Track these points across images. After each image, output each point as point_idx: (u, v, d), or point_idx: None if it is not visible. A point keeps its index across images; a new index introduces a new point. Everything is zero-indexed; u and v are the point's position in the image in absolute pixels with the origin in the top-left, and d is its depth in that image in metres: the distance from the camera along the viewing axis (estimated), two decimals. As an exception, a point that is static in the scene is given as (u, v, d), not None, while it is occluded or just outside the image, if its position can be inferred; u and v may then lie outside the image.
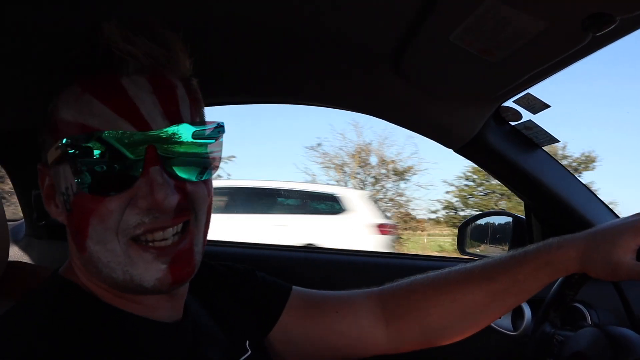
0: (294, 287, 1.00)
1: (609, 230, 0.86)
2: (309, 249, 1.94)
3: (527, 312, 1.49)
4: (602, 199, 1.48)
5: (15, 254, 1.94)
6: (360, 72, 1.19)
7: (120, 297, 0.70)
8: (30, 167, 1.80)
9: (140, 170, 0.63)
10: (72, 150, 0.61)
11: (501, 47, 0.90)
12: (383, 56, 1.08)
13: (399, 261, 1.87)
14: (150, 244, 0.65)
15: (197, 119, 0.71)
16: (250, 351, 0.86)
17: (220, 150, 0.72)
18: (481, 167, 1.51)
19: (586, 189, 1.47)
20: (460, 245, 1.87)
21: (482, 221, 1.86)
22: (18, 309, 0.69)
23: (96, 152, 0.61)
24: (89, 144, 0.61)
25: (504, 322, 1.54)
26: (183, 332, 0.76)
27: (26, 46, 1.06)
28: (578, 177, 1.47)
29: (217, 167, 0.72)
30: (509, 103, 1.25)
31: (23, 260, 1.64)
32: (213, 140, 0.70)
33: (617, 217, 1.49)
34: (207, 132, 0.69)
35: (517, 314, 1.54)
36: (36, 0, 0.86)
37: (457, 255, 2.02)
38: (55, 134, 0.66)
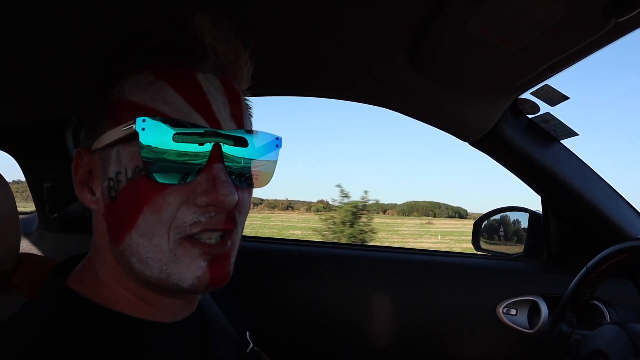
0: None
1: None
2: (322, 243, 1.94)
3: (544, 309, 1.47)
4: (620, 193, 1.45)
5: (27, 246, 1.96)
6: (376, 64, 1.17)
7: (136, 302, 0.68)
8: (43, 160, 1.84)
9: (203, 165, 0.62)
10: (144, 129, 0.59)
11: (519, 35, 0.88)
12: (398, 47, 1.06)
13: (404, 256, 1.85)
14: (200, 240, 0.64)
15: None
16: (252, 343, 0.87)
17: (273, 167, 0.72)
18: (497, 161, 1.48)
19: (605, 183, 1.44)
20: (475, 241, 1.85)
21: (497, 217, 1.84)
22: (15, 319, 0.66)
23: (167, 138, 0.60)
24: (162, 128, 0.60)
25: (520, 319, 1.52)
26: (192, 329, 0.75)
27: (44, 40, 1.06)
28: (596, 172, 1.44)
29: (265, 183, 0.71)
30: (527, 95, 1.23)
31: (34, 253, 1.65)
32: (271, 152, 0.71)
33: (638, 212, 1.46)
34: (267, 144, 0.70)
35: (534, 311, 1.51)
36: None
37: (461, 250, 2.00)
38: (117, 116, 0.63)
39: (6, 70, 1.25)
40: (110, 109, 0.65)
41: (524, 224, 1.73)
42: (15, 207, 1.10)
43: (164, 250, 0.62)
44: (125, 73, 0.66)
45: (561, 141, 1.41)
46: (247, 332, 0.87)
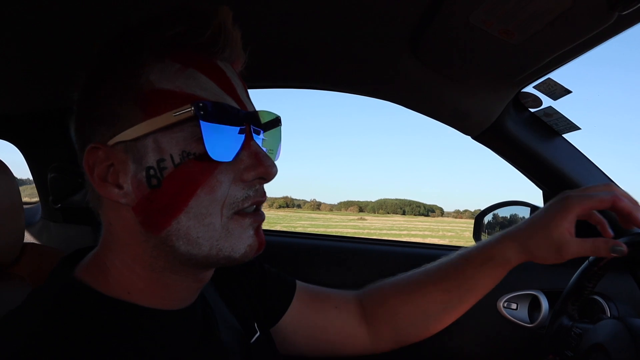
0: (297, 281, 1.06)
1: (541, 216, 0.89)
2: (326, 236, 1.94)
3: (545, 303, 1.47)
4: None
5: (30, 236, 1.97)
6: (378, 55, 1.17)
7: (149, 291, 0.69)
8: (46, 150, 1.84)
9: (241, 144, 0.67)
10: (203, 113, 0.62)
11: (522, 27, 0.88)
12: (401, 39, 1.06)
13: (409, 250, 1.86)
14: (245, 211, 0.68)
15: None
16: (259, 332, 0.88)
17: (280, 139, 0.79)
18: (499, 155, 1.48)
19: (605, 177, 1.43)
20: (476, 235, 1.85)
21: (499, 211, 1.83)
22: (19, 308, 0.66)
23: (218, 121, 0.64)
24: (213, 111, 0.63)
25: (521, 314, 1.52)
26: (195, 316, 0.75)
27: (48, 31, 1.06)
28: (597, 166, 1.43)
29: (277, 157, 0.78)
30: (529, 89, 1.23)
31: (38, 243, 1.66)
32: (278, 127, 0.77)
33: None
34: (273, 121, 0.76)
35: (534, 305, 1.52)
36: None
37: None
38: (150, 106, 0.64)
39: (9, 60, 1.25)
40: (139, 99, 0.64)
41: (523, 218, 1.73)
42: (20, 197, 1.11)
43: (216, 227, 0.65)
44: (143, 62, 0.66)
45: (563, 135, 1.41)
46: (255, 322, 0.88)
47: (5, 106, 1.66)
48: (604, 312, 1.38)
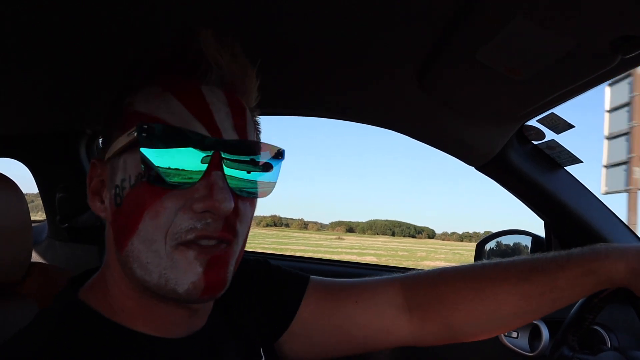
0: (311, 276, 0.97)
1: None
2: (329, 261, 1.95)
3: (545, 332, 1.48)
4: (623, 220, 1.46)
5: (37, 255, 1.97)
6: (385, 86, 1.19)
7: (140, 312, 0.69)
8: (56, 170, 1.86)
9: (202, 172, 0.63)
10: (145, 135, 0.61)
11: (528, 66, 0.90)
12: (408, 71, 1.09)
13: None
14: (196, 243, 0.64)
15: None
16: (264, 357, 0.85)
17: (275, 177, 0.73)
18: (502, 185, 1.50)
19: (607, 210, 1.45)
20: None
21: (500, 239, 1.84)
22: (26, 329, 0.67)
23: (166, 145, 0.62)
24: (162, 134, 0.62)
25: (521, 342, 1.52)
26: (198, 345, 0.74)
27: (57, 52, 1.08)
28: (599, 198, 1.45)
29: (266, 194, 0.72)
30: (533, 122, 1.25)
31: (44, 262, 1.66)
32: (275, 163, 0.72)
33: (639, 237, 1.47)
34: (269, 156, 0.71)
35: (535, 334, 1.52)
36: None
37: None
38: (125, 125, 0.66)
39: (22, 83, 1.28)
40: (121, 119, 0.67)
41: (527, 248, 1.74)
42: (29, 217, 1.12)
43: (161, 255, 0.63)
44: (137, 87, 0.68)
45: (565, 168, 1.43)
46: (261, 347, 0.86)
47: (18, 127, 1.68)
48: (604, 342, 1.38)
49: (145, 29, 0.97)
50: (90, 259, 1.86)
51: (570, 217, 1.42)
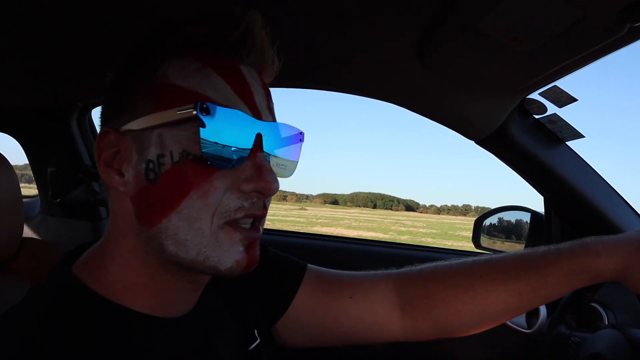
0: (309, 265, 0.99)
1: None
2: (326, 237, 1.95)
3: (543, 310, 1.47)
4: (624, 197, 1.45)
5: (29, 230, 1.96)
6: (384, 59, 1.17)
7: (146, 290, 0.68)
8: (47, 144, 1.83)
9: (247, 153, 0.65)
10: (204, 115, 0.61)
11: (532, 36, 0.87)
12: (408, 43, 1.06)
13: (400, 251, 1.86)
14: (239, 225, 0.66)
15: None
16: (259, 339, 0.86)
17: (297, 157, 0.76)
18: (502, 160, 1.48)
19: (609, 186, 1.43)
20: (476, 239, 1.85)
21: (499, 215, 1.83)
22: (15, 310, 0.66)
23: (219, 124, 0.62)
24: (219, 114, 0.62)
25: (518, 320, 1.52)
26: (192, 325, 0.74)
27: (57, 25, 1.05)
28: (599, 174, 1.43)
29: (291, 174, 0.76)
30: (535, 95, 1.22)
31: (36, 237, 1.65)
32: (296, 145, 0.75)
33: (639, 214, 1.46)
34: (293, 136, 0.74)
35: (532, 311, 1.52)
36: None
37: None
38: (161, 99, 0.64)
39: (13, 56, 1.25)
40: (152, 91, 0.65)
41: (526, 224, 1.73)
42: (20, 192, 1.10)
43: (205, 234, 0.63)
44: (165, 57, 0.66)
45: (567, 143, 1.41)
46: (256, 329, 0.87)
47: (8, 101, 1.65)
48: (601, 319, 1.38)
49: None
50: (84, 234, 1.85)
51: (571, 193, 1.41)
